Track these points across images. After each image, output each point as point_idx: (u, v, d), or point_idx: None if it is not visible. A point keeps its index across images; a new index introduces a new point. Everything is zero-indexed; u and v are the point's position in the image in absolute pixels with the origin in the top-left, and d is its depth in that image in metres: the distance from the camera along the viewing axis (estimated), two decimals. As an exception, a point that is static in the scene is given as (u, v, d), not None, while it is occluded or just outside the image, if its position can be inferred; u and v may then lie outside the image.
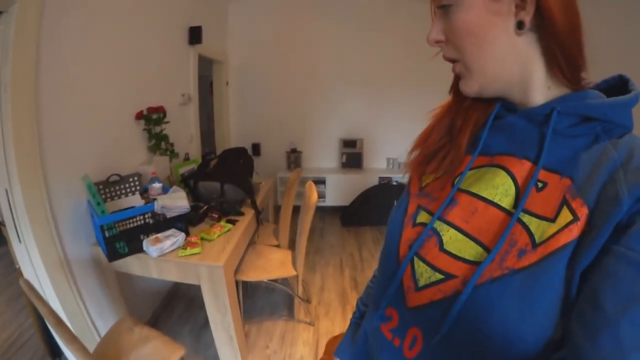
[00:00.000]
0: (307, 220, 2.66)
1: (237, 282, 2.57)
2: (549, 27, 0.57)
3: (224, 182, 2.91)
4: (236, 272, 2.60)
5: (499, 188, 0.63)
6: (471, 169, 0.70)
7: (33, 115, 1.90)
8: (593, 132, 0.58)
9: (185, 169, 3.35)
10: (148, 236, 2.23)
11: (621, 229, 0.49)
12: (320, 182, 5.35)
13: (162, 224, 2.31)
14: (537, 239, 0.54)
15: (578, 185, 0.55)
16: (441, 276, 0.62)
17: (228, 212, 2.82)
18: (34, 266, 2.00)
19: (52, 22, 1.97)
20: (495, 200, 0.62)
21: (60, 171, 2.07)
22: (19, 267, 2.08)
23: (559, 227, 0.53)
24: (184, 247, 2.22)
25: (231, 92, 5.46)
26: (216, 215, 2.74)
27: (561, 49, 0.58)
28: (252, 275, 2.67)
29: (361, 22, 5.15)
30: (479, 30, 0.60)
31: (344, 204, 5.43)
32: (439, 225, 0.66)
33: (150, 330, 2.04)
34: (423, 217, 0.71)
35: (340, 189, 5.44)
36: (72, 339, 1.58)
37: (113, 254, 2.12)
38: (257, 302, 3.36)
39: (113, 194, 2.35)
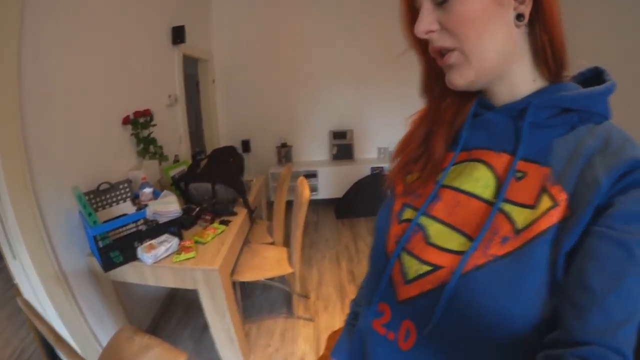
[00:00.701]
0: (300, 216, 2.66)
1: (234, 283, 2.57)
2: (545, 21, 0.60)
3: (215, 183, 2.89)
4: (232, 273, 2.60)
5: (480, 181, 0.65)
6: (453, 164, 0.72)
7: (18, 128, 1.87)
8: (570, 122, 0.61)
9: (175, 171, 3.33)
10: (142, 243, 2.22)
11: (602, 210, 0.52)
12: (312, 175, 5.34)
13: (155, 229, 2.30)
14: (519, 226, 0.57)
15: (557, 173, 0.58)
16: (429, 267, 0.64)
17: (221, 212, 2.82)
18: (30, 281, 1.98)
19: (33, 32, 1.94)
20: (476, 193, 0.65)
21: (49, 183, 2.04)
22: (17, 283, 2.06)
23: (540, 213, 0.56)
24: (178, 252, 2.21)
25: (218, 90, 5.42)
26: (209, 217, 2.73)
27: (551, 43, 0.61)
28: (249, 275, 2.67)
29: (345, 14, 5.13)
30: (482, 18, 0.60)
31: (337, 196, 5.43)
32: (424, 220, 0.69)
33: (150, 338, 2.03)
34: (408, 213, 0.73)
35: (332, 182, 5.43)
36: (73, 355, 1.58)
37: (108, 264, 2.11)
38: (256, 301, 3.37)
39: (104, 202, 2.33)
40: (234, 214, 2.84)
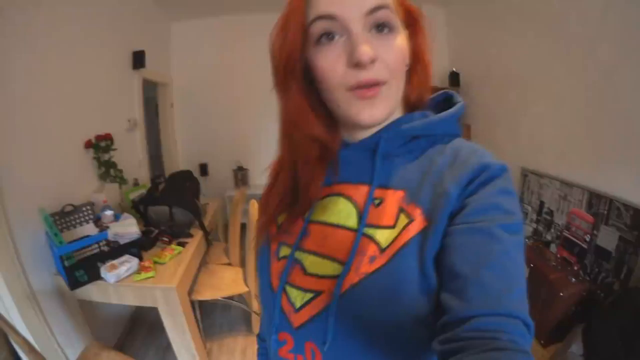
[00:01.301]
0: (252, 238, 2.81)
1: (193, 302, 2.70)
2: (420, 61, 0.72)
3: (172, 206, 3.03)
4: (190, 292, 2.73)
5: (342, 212, 0.71)
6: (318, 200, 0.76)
7: None
8: (420, 147, 0.71)
9: (135, 194, 3.43)
10: (104, 263, 2.34)
11: (456, 214, 0.60)
12: (267, 198, 5.43)
13: (116, 250, 2.43)
14: (383, 245, 0.64)
15: (411, 193, 0.66)
16: (311, 294, 0.69)
17: (178, 235, 2.95)
18: (2, 299, 2.08)
19: None
20: (341, 223, 0.71)
21: (17, 204, 2.16)
22: None
23: (399, 230, 0.64)
24: (138, 272, 2.34)
25: (177, 113, 5.52)
26: (167, 239, 2.85)
27: (424, 80, 0.74)
28: (207, 294, 2.81)
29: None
30: (405, 55, 0.67)
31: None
32: (299, 255, 0.74)
33: (117, 354, 2.16)
34: (284, 250, 0.77)
35: (286, 204, 5.52)
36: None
37: (74, 283, 2.22)
38: (216, 320, 3.48)
39: (69, 223, 2.45)
40: (190, 235, 2.98)
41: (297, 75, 0.68)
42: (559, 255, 2.83)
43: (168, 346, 2.54)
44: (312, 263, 0.72)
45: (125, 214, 2.70)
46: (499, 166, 0.63)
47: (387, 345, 0.63)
